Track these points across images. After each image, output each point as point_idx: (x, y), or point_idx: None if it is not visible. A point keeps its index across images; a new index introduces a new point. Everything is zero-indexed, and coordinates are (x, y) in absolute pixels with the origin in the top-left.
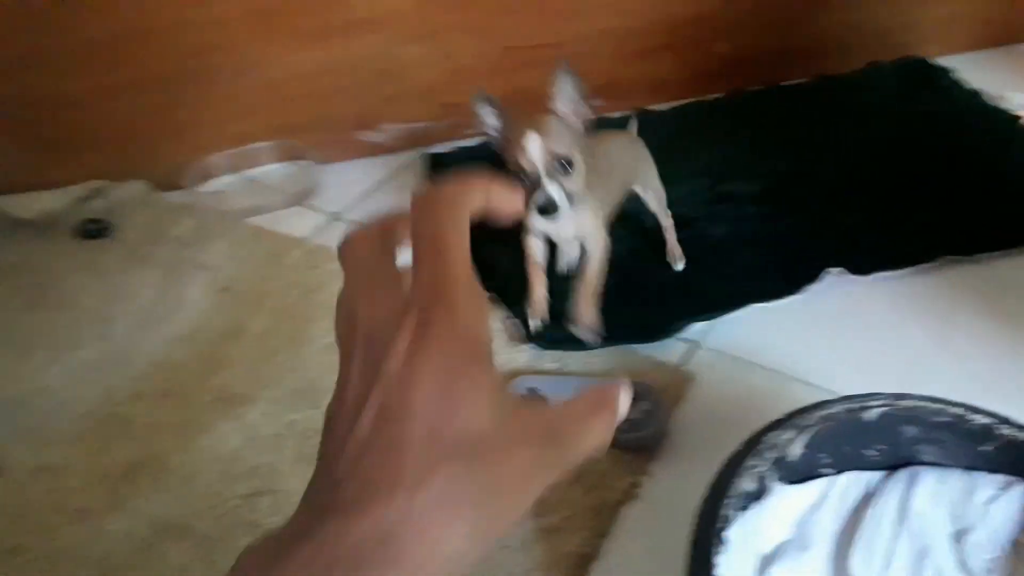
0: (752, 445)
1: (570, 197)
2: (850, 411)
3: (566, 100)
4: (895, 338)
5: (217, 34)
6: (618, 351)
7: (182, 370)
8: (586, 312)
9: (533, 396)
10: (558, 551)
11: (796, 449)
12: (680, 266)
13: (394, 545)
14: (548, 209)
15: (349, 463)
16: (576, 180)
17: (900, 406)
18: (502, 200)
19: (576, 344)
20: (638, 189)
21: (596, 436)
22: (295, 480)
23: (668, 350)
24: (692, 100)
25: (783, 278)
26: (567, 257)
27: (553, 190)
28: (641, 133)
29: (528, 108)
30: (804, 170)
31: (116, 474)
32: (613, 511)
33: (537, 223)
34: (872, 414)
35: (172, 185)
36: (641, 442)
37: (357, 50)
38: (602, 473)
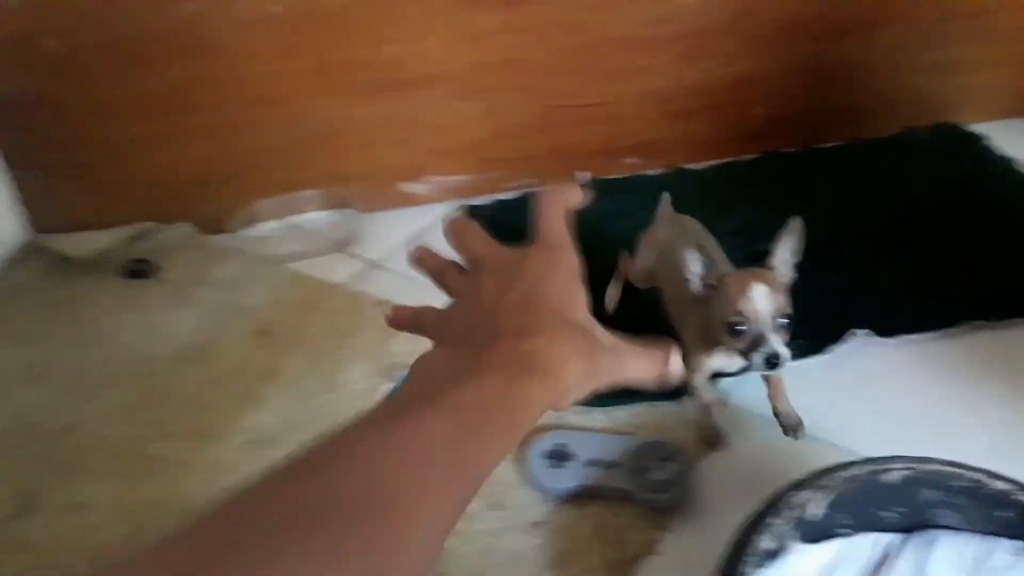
0: (773, 504)
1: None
2: (873, 473)
3: (783, 255)
4: (918, 401)
5: (273, 87)
6: (645, 408)
7: (215, 410)
8: (789, 409)
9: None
10: None
11: (817, 509)
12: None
13: (545, 359)
14: (774, 362)
15: (504, 318)
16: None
17: (921, 470)
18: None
19: (606, 401)
20: None
21: (643, 370)
22: None
23: (692, 407)
24: (728, 160)
25: (809, 338)
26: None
27: (779, 346)
28: (678, 191)
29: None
30: (837, 232)
31: (141, 511)
32: (631, 565)
33: (712, 361)
34: (894, 476)
35: (218, 229)
36: (666, 504)
37: (408, 105)
38: (623, 528)
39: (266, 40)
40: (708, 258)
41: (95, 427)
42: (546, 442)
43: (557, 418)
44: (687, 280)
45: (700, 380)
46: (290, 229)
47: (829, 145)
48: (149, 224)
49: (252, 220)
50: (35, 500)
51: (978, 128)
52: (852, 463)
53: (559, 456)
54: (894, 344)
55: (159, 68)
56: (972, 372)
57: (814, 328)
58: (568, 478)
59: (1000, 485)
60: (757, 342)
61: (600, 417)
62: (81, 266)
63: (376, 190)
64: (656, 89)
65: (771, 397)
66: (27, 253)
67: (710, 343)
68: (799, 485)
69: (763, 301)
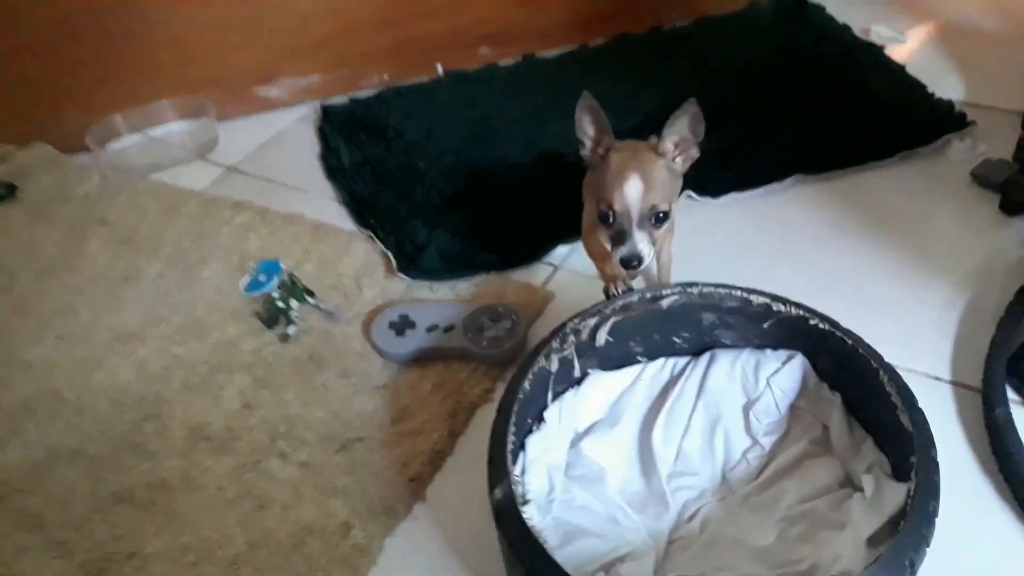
0: (557, 331)
1: (655, 244)
2: (646, 300)
3: (677, 138)
4: (741, 251)
5: None
6: (484, 278)
7: (81, 314)
8: None
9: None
10: (416, 449)
11: (602, 337)
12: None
13: None
14: (633, 264)
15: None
16: (666, 229)
17: (693, 293)
18: None
19: (447, 274)
20: None
21: None
22: (180, 407)
23: (533, 273)
24: (578, 46)
25: None
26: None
27: (642, 244)
28: (528, 78)
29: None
30: (674, 104)
31: (15, 409)
32: (468, 413)
33: (598, 248)
34: (668, 302)
35: (78, 147)
36: (500, 356)
37: (252, 5)
38: (460, 381)
39: None
40: (599, 124)
41: None
42: (390, 314)
43: (403, 293)
44: (580, 142)
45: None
46: (150, 141)
47: (677, 26)
48: (6, 147)
49: (110, 135)
50: None
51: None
52: (627, 292)
53: (401, 325)
54: (724, 202)
55: None
56: (792, 220)
57: None
58: (409, 343)
59: (761, 300)
60: (621, 237)
61: (444, 290)
62: None
63: (231, 96)
64: None
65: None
66: None
67: (595, 225)
68: (579, 314)
69: (635, 196)
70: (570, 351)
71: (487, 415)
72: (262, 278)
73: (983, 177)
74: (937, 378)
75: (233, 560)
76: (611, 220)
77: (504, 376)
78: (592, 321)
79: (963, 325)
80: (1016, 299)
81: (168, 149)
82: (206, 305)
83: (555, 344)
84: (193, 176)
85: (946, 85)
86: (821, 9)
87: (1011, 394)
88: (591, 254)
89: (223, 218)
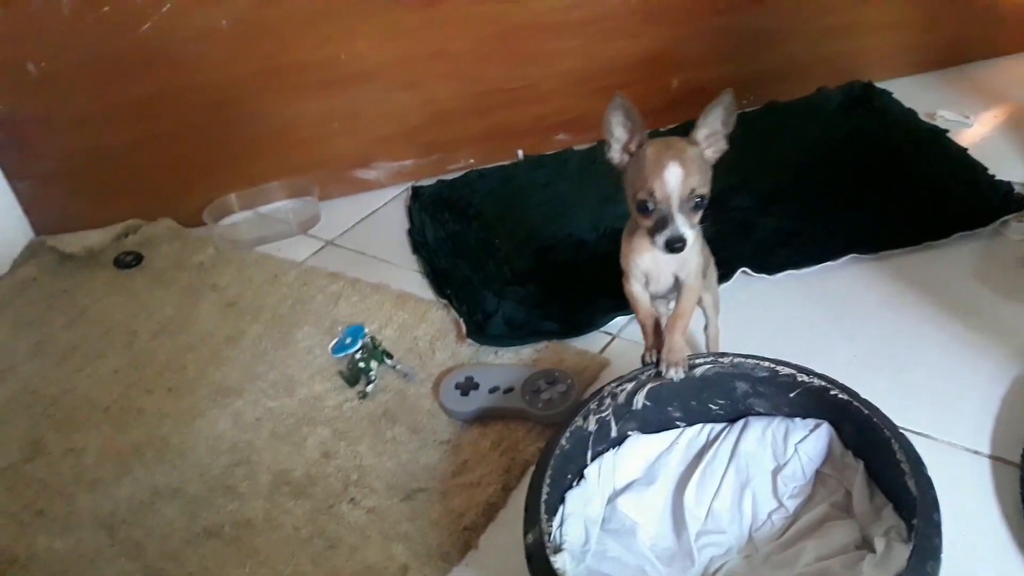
0: (595, 395)
1: (694, 229)
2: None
3: (709, 130)
4: (795, 326)
5: (229, 91)
6: (552, 344)
7: (188, 369)
8: (678, 347)
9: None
10: (472, 501)
11: (639, 400)
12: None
13: None
14: (677, 245)
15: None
16: (702, 216)
17: (724, 363)
18: None
19: (511, 341)
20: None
21: None
22: (268, 454)
23: (591, 341)
24: (649, 132)
25: None
26: (654, 287)
27: (684, 227)
28: (599, 161)
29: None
30: (736, 185)
31: (127, 452)
32: (522, 469)
33: (641, 259)
34: (702, 371)
35: (196, 222)
36: (554, 418)
37: (351, 99)
38: (517, 440)
39: (216, 50)
40: (632, 122)
41: (88, 390)
42: (457, 376)
43: (471, 357)
44: (607, 144)
45: (636, 288)
46: (258, 217)
47: (745, 111)
48: (136, 221)
49: (225, 212)
50: (40, 448)
51: (888, 85)
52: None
53: (467, 386)
54: (780, 279)
55: (128, 81)
56: (843, 298)
57: None
58: (472, 403)
59: (787, 371)
60: (663, 223)
61: (508, 355)
62: (78, 260)
63: (332, 178)
64: (574, 69)
65: (668, 325)
66: (31, 252)
67: (634, 231)
68: (618, 380)
69: (674, 181)
70: (608, 413)
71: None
72: (348, 340)
73: None
74: (976, 452)
75: None
76: (651, 208)
77: None
78: (629, 386)
79: (1007, 401)
80: None
81: (274, 225)
82: (298, 364)
83: (593, 406)
84: (295, 249)
85: (1009, 168)
86: (888, 95)
87: None
88: (626, 268)
89: (318, 286)
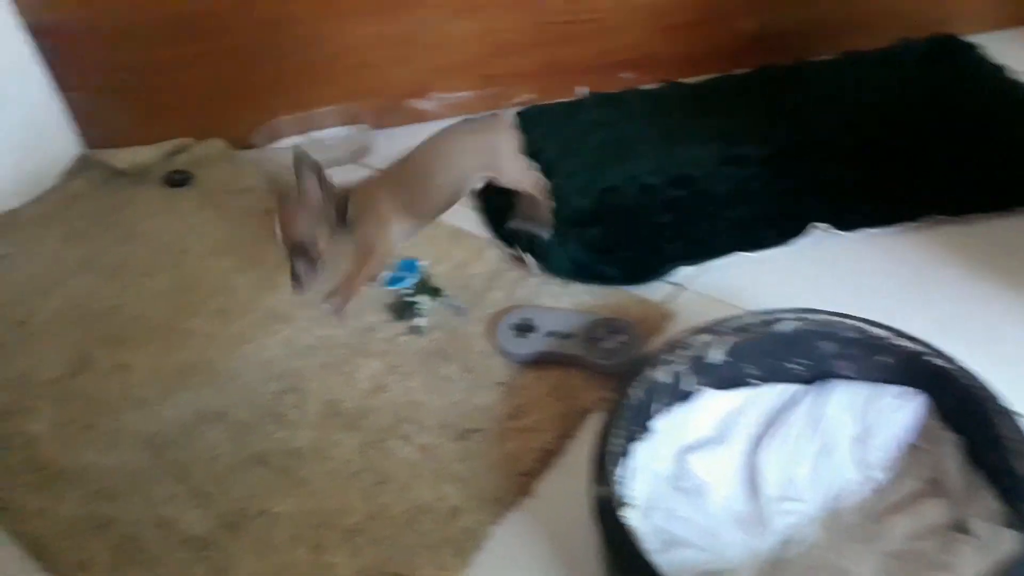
0: (670, 344)
1: (316, 267)
2: (763, 323)
3: (306, 184)
4: (868, 287)
5: (285, 10)
6: (610, 289)
7: (237, 293)
8: (344, 294)
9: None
10: (528, 446)
11: (716, 355)
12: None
13: None
14: (294, 286)
15: None
16: (320, 250)
17: (810, 319)
18: None
19: (573, 276)
20: (495, 180)
21: None
22: (316, 383)
23: (655, 290)
24: (719, 75)
25: (773, 231)
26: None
27: (298, 267)
28: (666, 102)
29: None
30: (814, 136)
31: (172, 373)
32: (579, 418)
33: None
34: (785, 327)
35: (245, 144)
36: (614, 368)
37: (409, 25)
38: (574, 387)
39: None
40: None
41: (136, 308)
42: (514, 316)
43: (527, 297)
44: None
45: None
46: (309, 143)
47: (823, 58)
48: (186, 140)
49: (275, 136)
50: (88, 363)
51: (976, 39)
52: (742, 314)
53: (524, 328)
54: (854, 238)
55: None
56: (924, 261)
57: (778, 222)
58: (529, 345)
59: (878, 332)
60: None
61: (566, 299)
62: (127, 177)
63: (386, 107)
64: (644, 4)
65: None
66: (81, 166)
67: None
68: (695, 330)
69: (278, 233)
70: (682, 366)
71: (597, 421)
72: (400, 275)
73: None
74: None
75: (351, 528)
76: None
77: (616, 387)
78: (706, 338)
79: None
80: None
81: (325, 151)
82: None
83: (666, 357)
84: (347, 177)
85: None
86: (975, 48)
87: None
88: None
89: None
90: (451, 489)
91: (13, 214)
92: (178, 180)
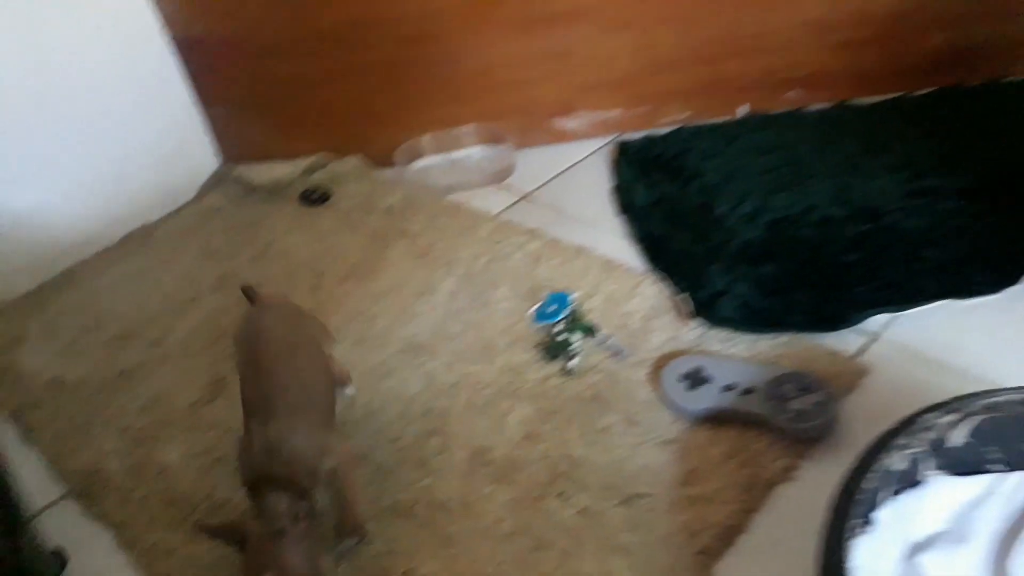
0: (906, 424)
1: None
2: (1018, 402)
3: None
4: None
5: (429, 25)
6: (793, 338)
7: (376, 322)
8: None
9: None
10: (706, 519)
11: (958, 437)
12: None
13: None
14: None
15: None
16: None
17: None
18: None
19: (745, 325)
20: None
21: None
22: (462, 425)
23: (842, 340)
24: (897, 95)
25: (986, 275)
26: None
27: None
28: (840, 125)
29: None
30: (1017, 166)
31: None
32: (765, 490)
33: None
34: None
35: (384, 162)
36: (807, 433)
37: (559, 39)
38: (758, 452)
39: None
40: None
41: None
42: (683, 364)
43: (696, 343)
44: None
45: None
46: (450, 163)
47: (1017, 79)
48: (324, 156)
49: (415, 154)
50: (221, 387)
51: None
52: (995, 390)
53: (695, 379)
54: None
55: (321, 8)
56: None
57: (991, 264)
58: (704, 400)
59: None
60: None
61: (739, 347)
62: (264, 192)
63: (530, 125)
64: (815, 19)
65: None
66: (218, 180)
67: None
68: (936, 407)
69: None
70: (919, 450)
71: (787, 495)
72: (551, 308)
73: None
74: None
75: None
76: None
77: (809, 454)
78: (950, 418)
79: None
80: None
81: (467, 172)
82: (495, 328)
83: (903, 440)
84: (488, 200)
85: None
86: None
87: None
88: None
89: (515, 243)
90: (620, 563)
91: (151, 227)
92: (316, 198)
